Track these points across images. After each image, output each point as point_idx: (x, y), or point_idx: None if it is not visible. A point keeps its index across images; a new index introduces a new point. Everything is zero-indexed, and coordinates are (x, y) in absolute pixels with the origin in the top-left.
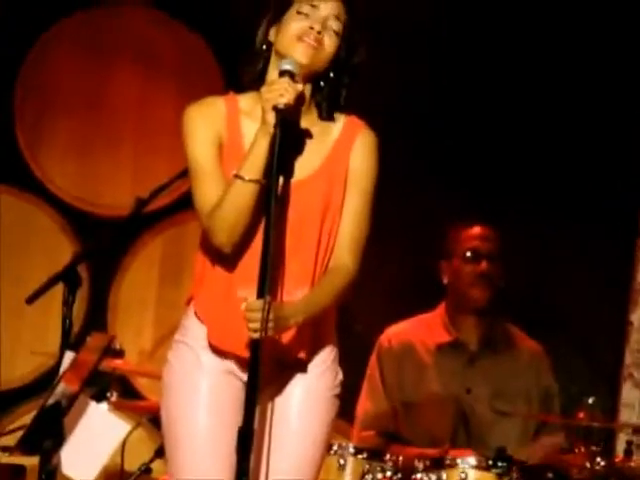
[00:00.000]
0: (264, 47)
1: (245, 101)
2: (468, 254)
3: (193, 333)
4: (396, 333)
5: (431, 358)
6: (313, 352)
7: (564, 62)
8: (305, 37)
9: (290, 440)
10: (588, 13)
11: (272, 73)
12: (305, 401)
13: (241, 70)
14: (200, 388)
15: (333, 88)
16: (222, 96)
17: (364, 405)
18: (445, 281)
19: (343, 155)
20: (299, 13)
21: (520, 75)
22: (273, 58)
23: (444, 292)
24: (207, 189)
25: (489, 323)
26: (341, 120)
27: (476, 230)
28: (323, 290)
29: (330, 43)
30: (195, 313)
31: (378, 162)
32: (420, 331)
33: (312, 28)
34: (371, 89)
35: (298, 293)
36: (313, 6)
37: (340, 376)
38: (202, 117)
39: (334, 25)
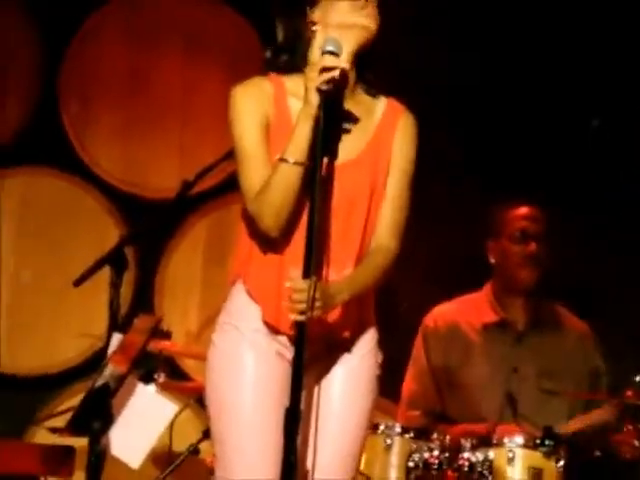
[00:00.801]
0: (310, 28)
1: (290, 82)
2: (516, 235)
3: (241, 314)
4: (442, 313)
5: (478, 338)
6: (358, 333)
7: (568, 58)
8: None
9: (333, 421)
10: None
11: (315, 53)
12: (348, 382)
13: (281, 56)
14: (247, 368)
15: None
16: (267, 77)
17: (410, 386)
18: (492, 261)
19: (387, 137)
20: None
21: (525, 71)
22: (318, 36)
23: (489, 273)
24: (253, 173)
25: (536, 303)
26: (382, 102)
27: (524, 210)
28: (366, 270)
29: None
30: (247, 292)
31: (418, 144)
32: (466, 311)
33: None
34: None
35: (345, 273)
36: None
37: (380, 358)
38: (249, 98)
39: None
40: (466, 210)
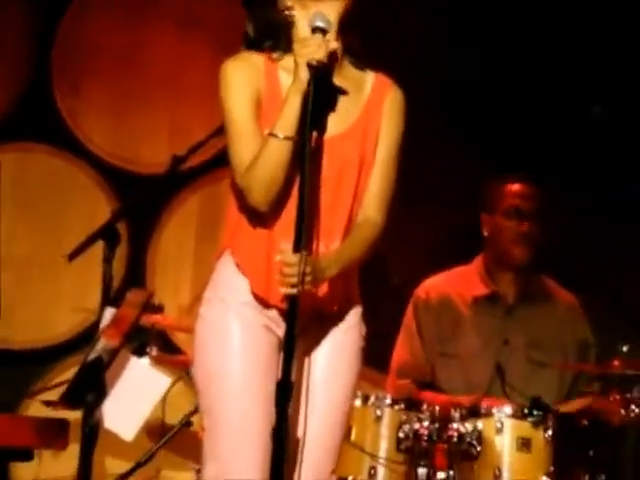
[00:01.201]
0: (287, 13)
1: (281, 56)
2: (510, 211)
3: (229, 286)
4: (433, 285)
5: (468, 310)
6: (344, 307)
7: (569, 52)
8: None
9: (320, 392)
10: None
11: (302, 30)
12: (333, 355)
13: (264, 42)
14: (233, 338)
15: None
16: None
17: (400, 355)
18: (485, 234)
19: (375, 112)
20: None
21: (525, 64)
22: (299, 15)
23: (481, 246)
24: (244, 147)
25: (526, 276)
26: (371, 76)
27: (518, 187)
28: (354, 243)
29: None
30: (235, 264)
31: (405, 119)
32: (457, 283)
33: None
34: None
35: (334, 246)
36: None
37: (364, 331)
38: (240, 72)
39: None
40: (459, 186)
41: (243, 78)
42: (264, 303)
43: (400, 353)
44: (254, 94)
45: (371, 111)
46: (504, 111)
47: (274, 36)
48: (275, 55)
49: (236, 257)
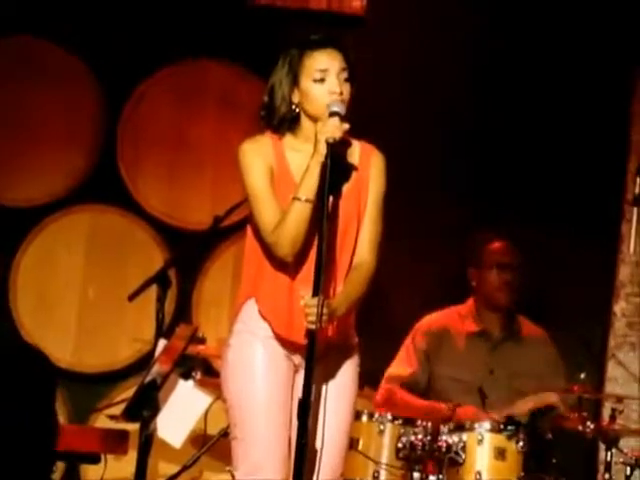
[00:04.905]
0: (293, 107)
1: (286, 137)
2: (493, 266)
3: (256, 325)
4: (434, 319)
5: (462, 343)
6: (345, 338)
7: (559, 99)
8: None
9: (330, 408)
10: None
11: (304, 121)
12: (339, 378)
13: (272, 119)
14: (260, 364)
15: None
16: (267, 134)
17: (395, 370)
18: (473, 284)
19: (364, 175)
20: (316, 81)
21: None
22: (303, 115)
23: (470, 291)
24: (268, 211)
25: (508, 318)
26: (357, 146)
27: (497, 245)
28: (355, 284)
29: (347, 91)
30: (259, 311)
31: (387, 177)
32: (454, 319)
33: (335, 92)
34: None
35: (339, 288)
36: (323, 70)
37: (359, 358)
38: (255, 152)
39: (344, 75)
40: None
41: (258, 157)
42: (286, 341)
43: (395, 369)
44: (268, 170)
45: (361, 175)
46: (496, 163)
47: (282, 121)
48: (278, 134)
49: (259, 304)
